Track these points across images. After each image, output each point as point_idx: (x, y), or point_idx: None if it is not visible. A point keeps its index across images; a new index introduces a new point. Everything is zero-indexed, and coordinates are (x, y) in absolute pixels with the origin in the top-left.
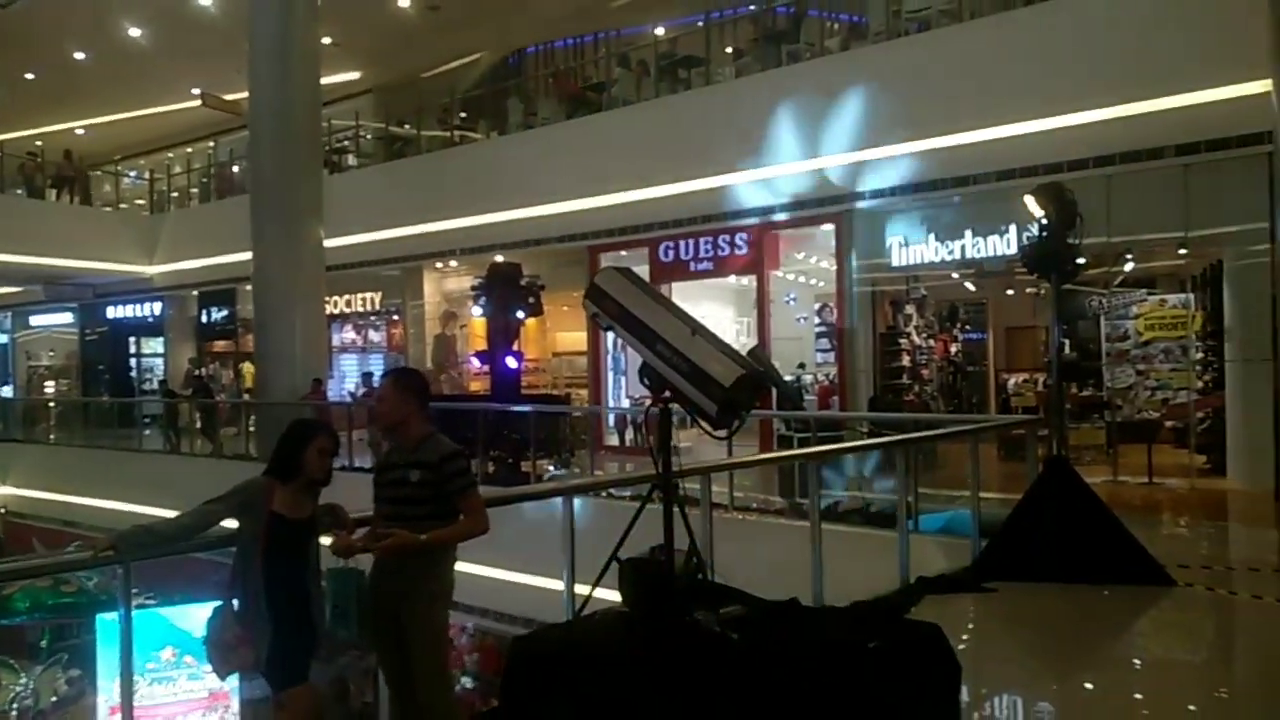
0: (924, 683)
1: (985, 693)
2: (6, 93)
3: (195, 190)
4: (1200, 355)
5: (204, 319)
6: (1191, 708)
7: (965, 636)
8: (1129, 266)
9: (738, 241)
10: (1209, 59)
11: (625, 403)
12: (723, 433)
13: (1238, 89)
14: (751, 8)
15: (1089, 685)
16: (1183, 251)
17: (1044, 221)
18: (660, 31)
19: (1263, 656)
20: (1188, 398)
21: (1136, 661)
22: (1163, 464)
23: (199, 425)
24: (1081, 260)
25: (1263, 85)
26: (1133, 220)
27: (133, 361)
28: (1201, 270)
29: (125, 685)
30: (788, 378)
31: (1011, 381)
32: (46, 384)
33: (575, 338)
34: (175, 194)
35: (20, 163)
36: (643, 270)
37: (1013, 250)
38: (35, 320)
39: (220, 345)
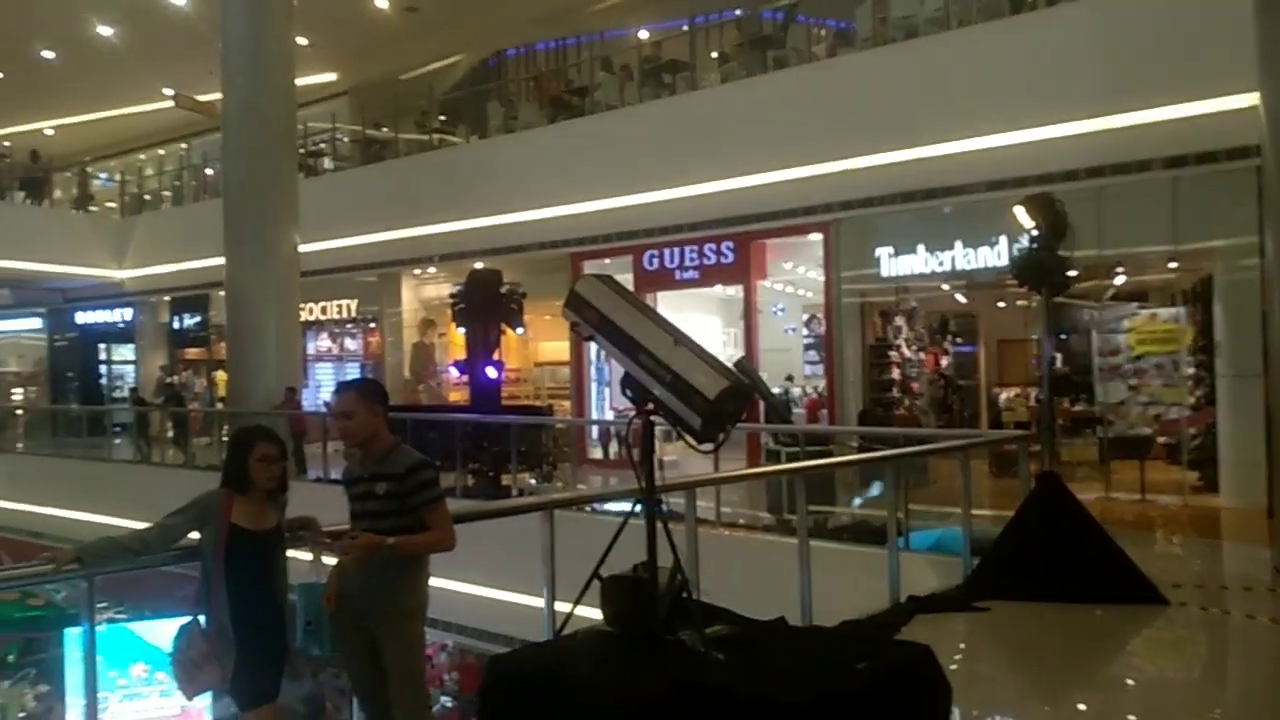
0: (914, 704)
1: (977, 714)
2: None
3: (168, 193)
4: (1192, 370)
5: (176, 325)
6: None
7: (957, 656)
8: (1120, 280)
9: (724, 250)
10: (1197, 71)
11: (609, 414)
12: (707, 446)
13: (1226, 102)
14: (737, 13)
15: (1082, 706)
16: (1173, 265)
17: (1034, 232)
18: (644, 35)
19: (1257, 676)
20: (1180, 413)
21: (1130, 681)
22: (1155, 480)
23: (170, 434)
24: (1072, 272)
25: (1250, 99)
26: (1124, 233)
27: (103, 368)
28: (1192, 284)
29: (90, 701)
30: (775, 390)
31: (1003, 396)
32: (14, 391)
33: (558, 348)
34: (147, 197)
35: None
36: (627, 279)
37: (1004, 262)
38: (2, 325)
39: (193, 352)
